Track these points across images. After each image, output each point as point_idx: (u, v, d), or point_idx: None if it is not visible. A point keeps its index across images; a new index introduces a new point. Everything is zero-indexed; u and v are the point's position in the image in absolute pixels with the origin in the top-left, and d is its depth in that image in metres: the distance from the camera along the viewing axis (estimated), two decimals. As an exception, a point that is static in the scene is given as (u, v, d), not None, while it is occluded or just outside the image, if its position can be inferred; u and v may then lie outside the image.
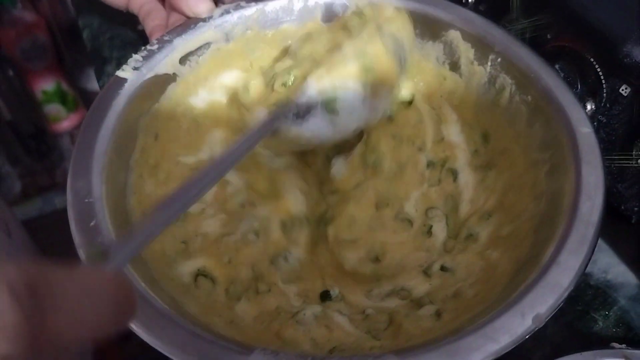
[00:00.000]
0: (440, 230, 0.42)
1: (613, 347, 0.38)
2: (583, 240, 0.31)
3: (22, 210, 1.33)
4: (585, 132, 0.36)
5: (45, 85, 1.31)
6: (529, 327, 0.29)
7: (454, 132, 0.45)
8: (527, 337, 0.29)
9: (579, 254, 0.31)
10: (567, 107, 0.37)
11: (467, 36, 0.43)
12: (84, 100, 1.34)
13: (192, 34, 0.43)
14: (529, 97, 0.40)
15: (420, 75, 0.47)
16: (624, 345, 0.38)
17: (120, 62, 0.51)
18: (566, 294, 0.30)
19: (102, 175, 0.35)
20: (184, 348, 0.28)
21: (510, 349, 0.29)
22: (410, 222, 0.42)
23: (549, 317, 0.30)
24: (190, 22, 0.44)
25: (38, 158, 1.37)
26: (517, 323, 0.29)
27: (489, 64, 0.42)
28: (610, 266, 0.44)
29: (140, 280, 0.31)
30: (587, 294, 0.43)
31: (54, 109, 1.34)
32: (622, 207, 0.40)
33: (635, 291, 0.43)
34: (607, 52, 0.38)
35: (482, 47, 0.43)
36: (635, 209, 0.39)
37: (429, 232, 0.42)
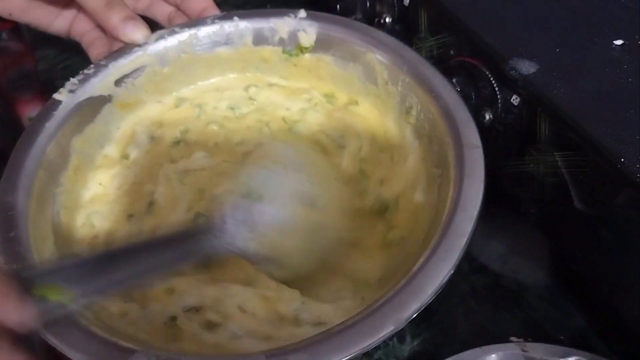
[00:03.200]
0: None
1: (512, 341, 0.41)
2: (452, 249, 0.34)
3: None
4: (473, 148, 0.38)
5: (31, 112, 1.35)
6: (390, 330, 0.30)
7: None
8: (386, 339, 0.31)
9: (447, 261, 0.33)
10: (461, 123, 0.40)
11: (381, 58, 0.46)
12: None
13: (127, 58, 0.47)
14: (430, 115, 0.42)
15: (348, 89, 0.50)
16: (521, 339, 0.41)
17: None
18: (429, 300, 0.32)
19: (28, 190, 0.38)
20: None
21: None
22: None
23: (409, 319, 0.31)
24: (126, 48, 0.47)
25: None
26: (378, 327, 0.31)
27: (400, 84, 0.45)
28: (520, 267, 0.46)
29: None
30: (497, 294, 0.45)
31: (40, 136, 1.38)
32: (521, 209, 0.42)
33: (543, 291, 0.45)
34: (498, 66, 0.41)
35: (394, 69, 0.45)
36: (532, 210, 0.42)
37: None
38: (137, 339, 0.34)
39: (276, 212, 0.37)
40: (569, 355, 0.39)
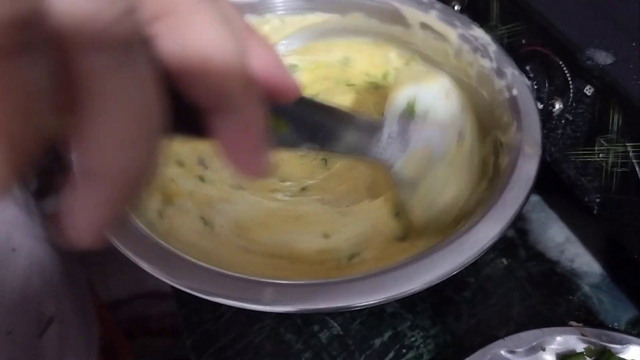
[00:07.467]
0: None
1: (571, 325, 0.42)
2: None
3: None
4: None
5: (66, 88, 1.38)
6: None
7: None
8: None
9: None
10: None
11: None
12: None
13: None
14: None
15: None
16: (581, 324, 0.42)
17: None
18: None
19: None
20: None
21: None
22: None
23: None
24: None
25: (54, 158, 1.42)
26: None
27: None
28: (577, 256, 0.47)
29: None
30: (552, 281, 0.46)
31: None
32: (585, 199, 0.43)
33: (598, 279, 0.46)
34: (573, 56, 0.41)
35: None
36: (597, 200, 0.42)
37: None
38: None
39: (434, 135, 0.39)
40: (629, 343, 0.40)
